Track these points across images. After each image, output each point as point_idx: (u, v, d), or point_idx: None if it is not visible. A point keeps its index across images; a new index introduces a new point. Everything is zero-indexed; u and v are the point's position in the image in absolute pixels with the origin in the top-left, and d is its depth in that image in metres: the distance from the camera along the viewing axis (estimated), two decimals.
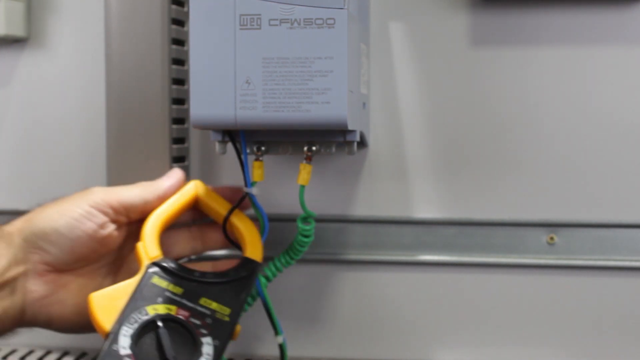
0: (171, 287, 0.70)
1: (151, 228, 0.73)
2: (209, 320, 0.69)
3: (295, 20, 0.66)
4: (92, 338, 0.92)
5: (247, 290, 0.72)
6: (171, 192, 0.75)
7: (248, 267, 0.74)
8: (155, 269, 0.71)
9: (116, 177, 0.83)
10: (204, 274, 0.72)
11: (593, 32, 0.82)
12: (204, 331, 0.69)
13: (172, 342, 0.68)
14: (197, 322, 0.69)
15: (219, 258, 0.86)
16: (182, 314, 0.69)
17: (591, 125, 0.83)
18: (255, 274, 0.74)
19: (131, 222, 0.75)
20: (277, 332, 0.78)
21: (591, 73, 0.83)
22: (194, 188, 0.76)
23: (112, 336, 0.67)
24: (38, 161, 0.92)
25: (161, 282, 0.70)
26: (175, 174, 0.77)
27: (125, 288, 0.70)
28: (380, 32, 0.85)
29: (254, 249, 0.75)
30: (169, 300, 0.70)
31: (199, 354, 0.68)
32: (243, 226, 0.76)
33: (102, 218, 0.72)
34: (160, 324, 0.68)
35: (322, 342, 0.89)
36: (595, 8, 0.82)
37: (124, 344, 0.67)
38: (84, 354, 0.91)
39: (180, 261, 0.76)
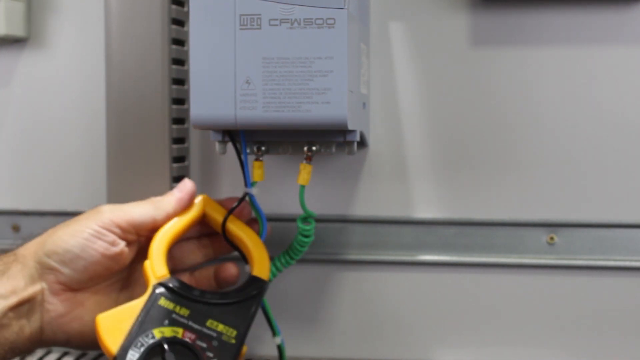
0: (178, 308, 0.70)
1: (158, 246, 0.73)
2: (215, 343, 0.69)
3: (295, 20, 0.66)
4: None
5: (255, 310, 0.72)
6: (181, 207, 0.75)
7: (255, 287, 0.73)
8: (162, 289, 0.71)
9: (116, 177, 0.83)
10: (211, 294, 0.72)
11: (593, 32, 0.82)
12: (210, 354, 0.69)
13: None
14: (204, 344, 0.69)
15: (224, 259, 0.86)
16: (188, 337, 0.69)
17: (591, 125, 0.83)
18: (263, 294, 0.73)
19: (141, 238, 0.75)
20: (274, 333, 0.78)
21: (591, 73, 0.83)
22: (202, 204, 0.76)
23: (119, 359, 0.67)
24: (38, 161, 0.92)
25: (168, 304, 0.70)
26: (186, 187, 0.76)
27: (131, 309, 0.70)
28: (380, 32, 0.85)
29: (261, 267, 0.75)
30: (175, 323, 0.69)
31: None
32: (251, 243, 0.76)
33: (112, 236, 0.72)
34: (166, 347, 0.68)
35: (322, 342, 0.89)
36: (595, 8, 0.82)
37: None
38: (83, 354, 0.91)
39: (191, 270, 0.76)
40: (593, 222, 0.84)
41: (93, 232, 0.72)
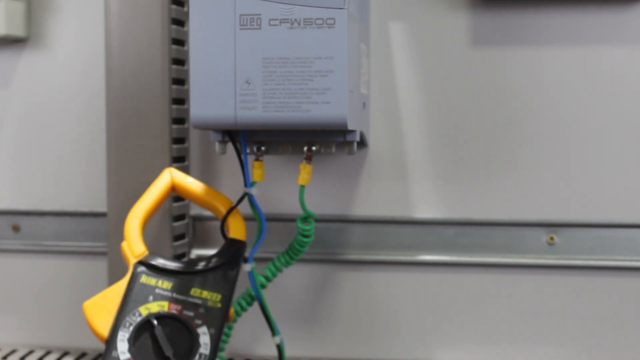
0: (160, 283, 0.71)
1: (132, 226, 0.74)
2: (201, 310, 0.70)
3: (295, 20, 0.66)
4: (92, 337, 0.92)
5: (235, 271, 0.73)
6: None
7: (233, 248, 0.74)
8: (142, 268, 0.71)
9: (116, 177, 0.83)
10: (190, 263, 0.72)
11: (593, 32, 0.82)
12: (198, 322, 0.70)
13: (169, 338, 0.69)
14: (191, 313, 0.70)
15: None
16: (174, 309, 0.70)
17: (591, 125, 0.83)
18: (241, 253, 0.74)
19: None
20: (274, 332, 0.78)
21: (591, 73, 0.83)
22: (170, 176, 0.76)
23: (109, 343, 0.68)
24: (38, 161, 0.92)
25: (150, 280, 0.71)
26: None
27: (115, 291, 0.71)
28: (380, 32, 0.85)
29: (236, 229, 0.75)
30: (160, 297, 0.70)
31: (197, 344, 0.69)
32: (223, 207, 0.76)
33: None
34: (154, 322, 0.69)
35: (322, 342, 0.89)
36: (595, 8, 0.82)
37: (122, 349, 0.68)
38: (84, 354, 0.91)
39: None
40: (593, 222, 0.84)
41: None
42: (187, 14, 0.85)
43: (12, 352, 0.92)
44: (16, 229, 0.93)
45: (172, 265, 0.72)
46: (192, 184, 0.77)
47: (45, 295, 0.93)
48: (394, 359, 0.88)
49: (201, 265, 0.73)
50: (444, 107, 0.85)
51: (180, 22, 0.84)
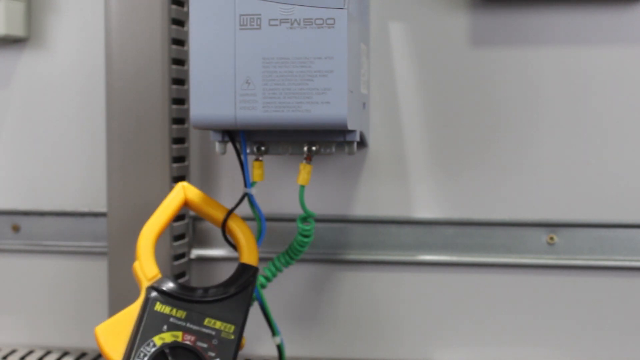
0: (174, 312, 0.70)
1: (145, 245, 0.73)
2: (215, 342, 0.70)
3: (295, 20, 0.66)
4: (92, 337, 0.92)
5: (249, 299, 0.72)
6: None
7: (246, 275, 0.73)
8: (156, 294, 0.70)
9: (116, 177, 0.83)
10: (204, 291, 0.72)
11: (593, 32, 0.82)
12: (211, 354, 0.69)
13: None
14: (204, 345, 0.69)
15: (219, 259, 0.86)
16: (188, 339, 0.69)
17: (591, 125, 0.83)
18: (255, 281, 0.73)
19: None
20: (274, 333, 0.78)
21: (591, 73, 0.83)
22: (183, 193, 0.75)
23: None
24: (38, 161, 0.92)
25: (164, 309, 0.70)
26: None
27: (128, 315, 0.70)
28: (380, 32, 0.85)
29: (250, 254, 0.75)
30: (174, 327, 0.70)
31: None
32: (239, 229, 0.75)
33: None
34: (169, 355, 0.68)
35: (322, 342, 0.89)
36: (595, 8, 0.82)
37: None
38: (83, 354, 0.91)
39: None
40: (593, 222, 0.84)
41: None
42: (187, 14, 0.85)
43: (12, 352, 0.92)
44: (16, 229, 0.93)
45: (185, 292, 0.71)
46: (205, 202, 0.75)
47: (45, 295, 0.93)
48: (394, 359, 0.88)
49: (214, 293, 0.72)
50: (444, 107, 0.85)
51: (180, 22, 0.84)
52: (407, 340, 0.88)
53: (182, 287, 0.72)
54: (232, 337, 0.70)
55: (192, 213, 0.89)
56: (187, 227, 0.88)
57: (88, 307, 0.92)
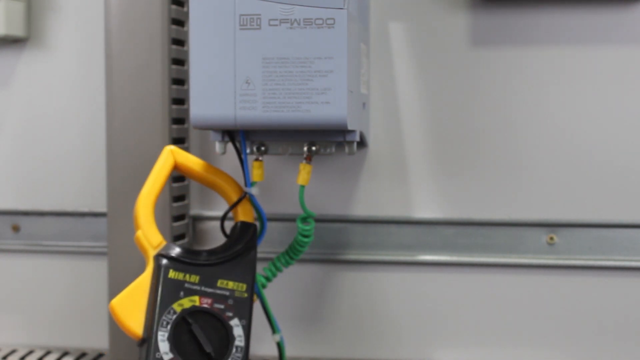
0: (188, 277, 0.71)
1: (145, 214, 0.73)
2: (230, 302, 0.71)
3: (295, 20, 0.66)
4: (92, 337, 0.92)
5: (254, 255, 0.74)
6: None
7: (246, 231, 0.74)
8: (166, 261, 0.71)
9: (116, 177, 0.83)
10: (209, 254, 0.73)
11: (593, 32, 0.82)
12: (229, 314, 0.71)
13: (206, 334, 0.70)
14: (221, 306, 0.71)
15: None
16: (205, 303, 0.71)
17: (591, 125, 0.83)
18: (255, 236, 0.74)
19: None
20: (274, 330, 0.78)
21: (591, 73, 0.83)
22: (172, 156, 0.75)
23: (151, 344, 0.68)
24: (38, 161, 0.92)
25: (178, 275, 0.71)
26: None
27: (141, 285, 0.70)
28: (380, 32, 0.85)
29: (245, 212, 0.75)
30: (190, 292, 0.71)
31: (232, 337, 0.71)
32: (228, 186, 0.76)
33: None
34: (190, 320, 0.70)
35: (322, 342, 0.89)
36: (595, 8, 0.82)
37: (164, 349, 0.69)
38: (83, 354, 0.91)
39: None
40: (593, 222, 0.84)
41: None
42: (187, 14, 0.85)
43: (12, 352, 0.92)
44: (16, 229, 0.93)
45: (193, 257, 0.72)
46: (194, 163, 0.76)
47: (45, 295, 0.93)
48: (394, 359, 0.88)
49: (221, 254, 0.73)
50: (444, 107, 0.85)
51: (180, 22, 0.84)
52: (407, 340, 0.88)
53: (189, 252, 0.72)
54: (246, 295, 0.72)
55: (192, 213, 0.89)
56: (187, 227, 0.88)
57: (88, 307, 0.92)
